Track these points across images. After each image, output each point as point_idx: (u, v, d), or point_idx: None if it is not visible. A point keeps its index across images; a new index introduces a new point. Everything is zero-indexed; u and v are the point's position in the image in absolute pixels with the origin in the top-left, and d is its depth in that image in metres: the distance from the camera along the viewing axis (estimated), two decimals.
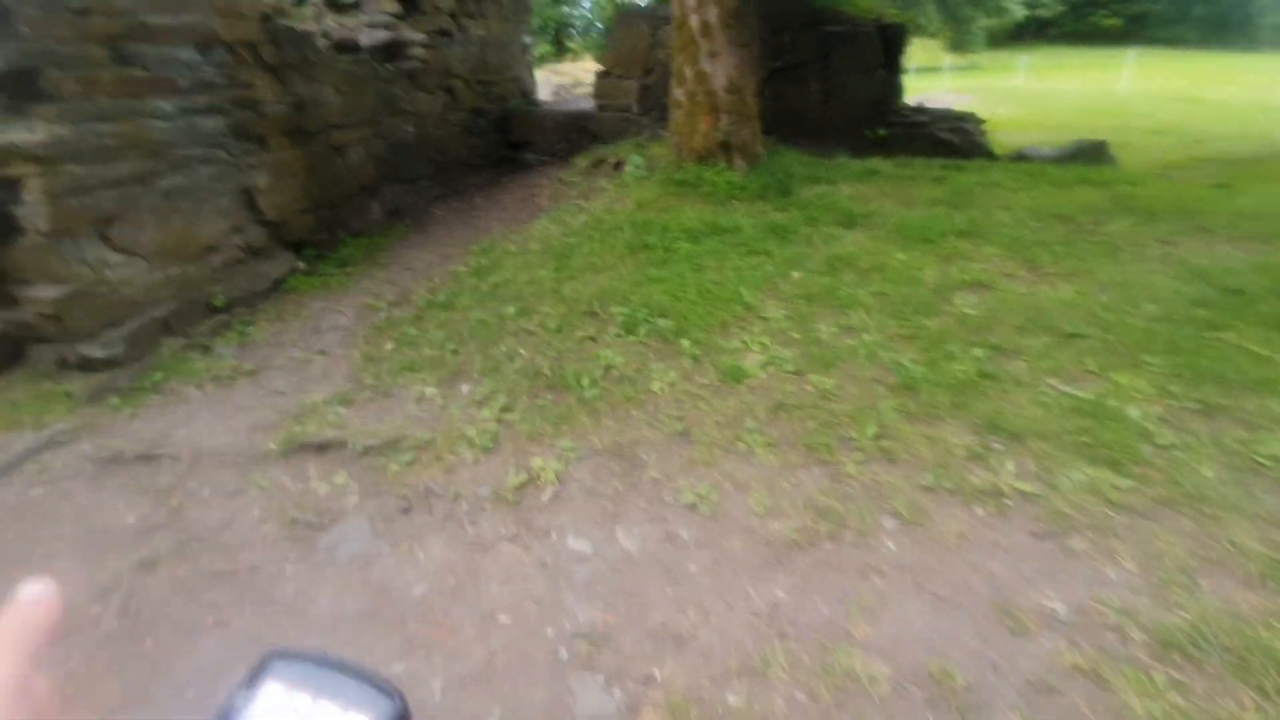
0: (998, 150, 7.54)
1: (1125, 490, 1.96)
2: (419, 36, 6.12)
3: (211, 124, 3.78)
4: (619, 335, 3.04)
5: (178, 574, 1.94)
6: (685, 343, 2.91)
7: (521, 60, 8.32)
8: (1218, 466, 2.03)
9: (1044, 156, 7.08)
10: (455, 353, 3.03)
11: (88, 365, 3.05)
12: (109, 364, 3.06)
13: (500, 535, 1.98)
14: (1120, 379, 2.48)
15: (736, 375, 2.65)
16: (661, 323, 3.08)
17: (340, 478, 2.30)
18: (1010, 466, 2.09)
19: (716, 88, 5.19)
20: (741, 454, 2.23)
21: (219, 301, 3.68)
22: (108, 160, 3.16)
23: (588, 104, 8.05)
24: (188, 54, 3.62)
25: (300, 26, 5.04)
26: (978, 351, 2.73)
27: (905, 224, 4.28)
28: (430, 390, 2.76)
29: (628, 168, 5.60)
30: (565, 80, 16.37)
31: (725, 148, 5.27)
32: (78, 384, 3.01)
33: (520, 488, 2.16)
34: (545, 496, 2.12)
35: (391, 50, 6.04)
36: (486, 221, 5.26)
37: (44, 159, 2.89)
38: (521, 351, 2.96)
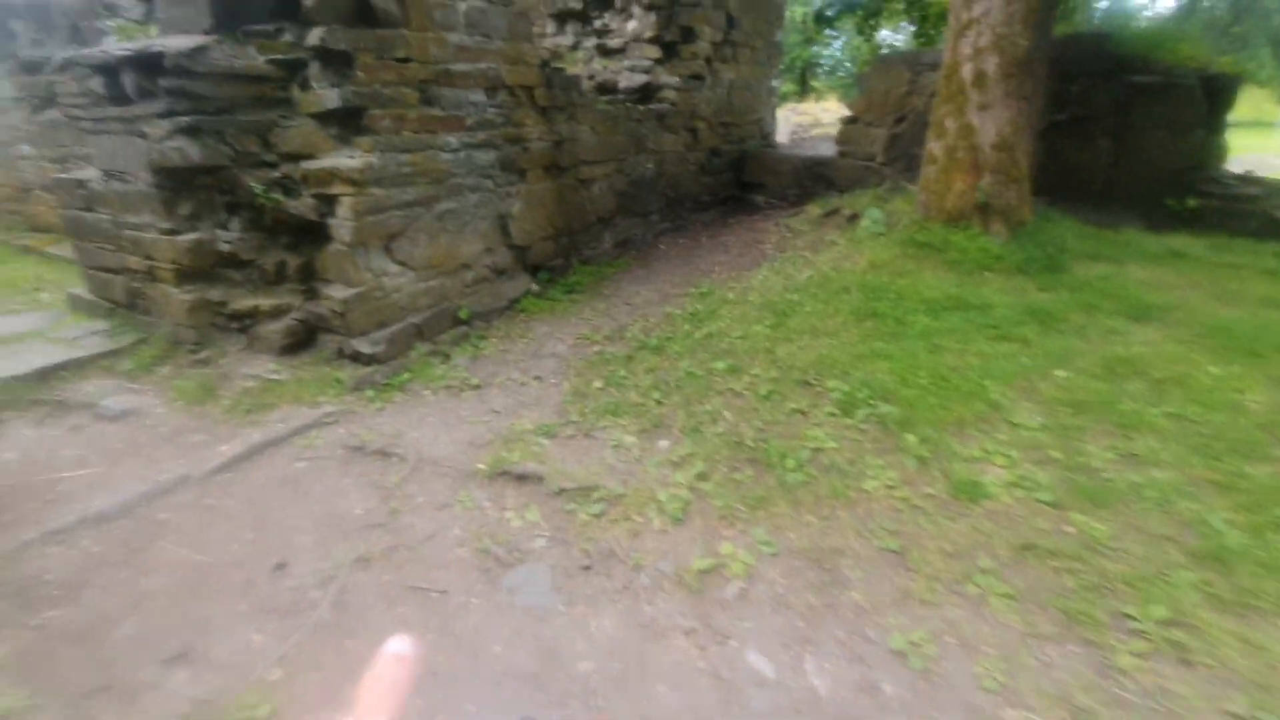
0: None
1: None
2: (673, 80, 6.38)
3: (485, 157, 4.24)
4: (833, 414, 2.76)
5: (384, 578, 2.09)
6: (911, 438, 2.55)
7: (766, 103, 8.32)
8: None
9: None
10: (659, 403, 2.99)
11: (357, 358, 3.54)
12: (372, 360, 3.52)
13: (676, 625, 1.85)
14: None
15: (972, 492, 2.24)
16: (884, 408, 2.74)
17: (533, 514, 2.35)
18: None
19: (982, 143, 4.65)
20: (971, 600, 1.84)
21: (464, 314, 4.09)
22: (402, 185, 3.67)
23: (827, 148, 7.79)
24: (477, 96, 4.10)
25: (571, 71, 5.51)
26: None
27: (1221, 326, 3.41)
28: (629, 439, 2.74)
29: (864, 221, 5.24)
30: (805, 120, 16.17)
31: (983, 210, 4.69)
32: (347, 373, 3.50)
33: (705, 573, 2.01)
34: (730, 592, 1.94)
35: (646, 92, 6.37)
36: (708, 263, 5.26)
37: (358, 182, 3.42)
38: (726, 414, 2.83)
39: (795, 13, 21.01)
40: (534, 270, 4.81)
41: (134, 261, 3.74)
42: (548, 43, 7.29)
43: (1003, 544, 2.02)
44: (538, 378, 3.45)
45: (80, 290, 4.30)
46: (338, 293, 3.51)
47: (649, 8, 6.34)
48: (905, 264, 4.33)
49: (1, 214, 7.28)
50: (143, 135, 3.30)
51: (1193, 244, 4.69)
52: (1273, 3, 22.57)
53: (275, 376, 3.47)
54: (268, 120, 3.42)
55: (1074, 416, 2.67)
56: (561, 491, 2.42)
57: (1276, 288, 3.94)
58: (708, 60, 6.73)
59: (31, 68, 5.74)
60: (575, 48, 7.06)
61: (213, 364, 3.60)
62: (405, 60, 3.59)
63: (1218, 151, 6.08)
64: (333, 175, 3.39)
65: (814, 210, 5.89)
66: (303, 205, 3.47)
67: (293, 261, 3.63)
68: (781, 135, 12.06)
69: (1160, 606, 1.76)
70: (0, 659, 1.82)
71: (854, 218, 5.50)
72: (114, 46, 3.28)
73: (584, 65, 6.83)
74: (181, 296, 3.58)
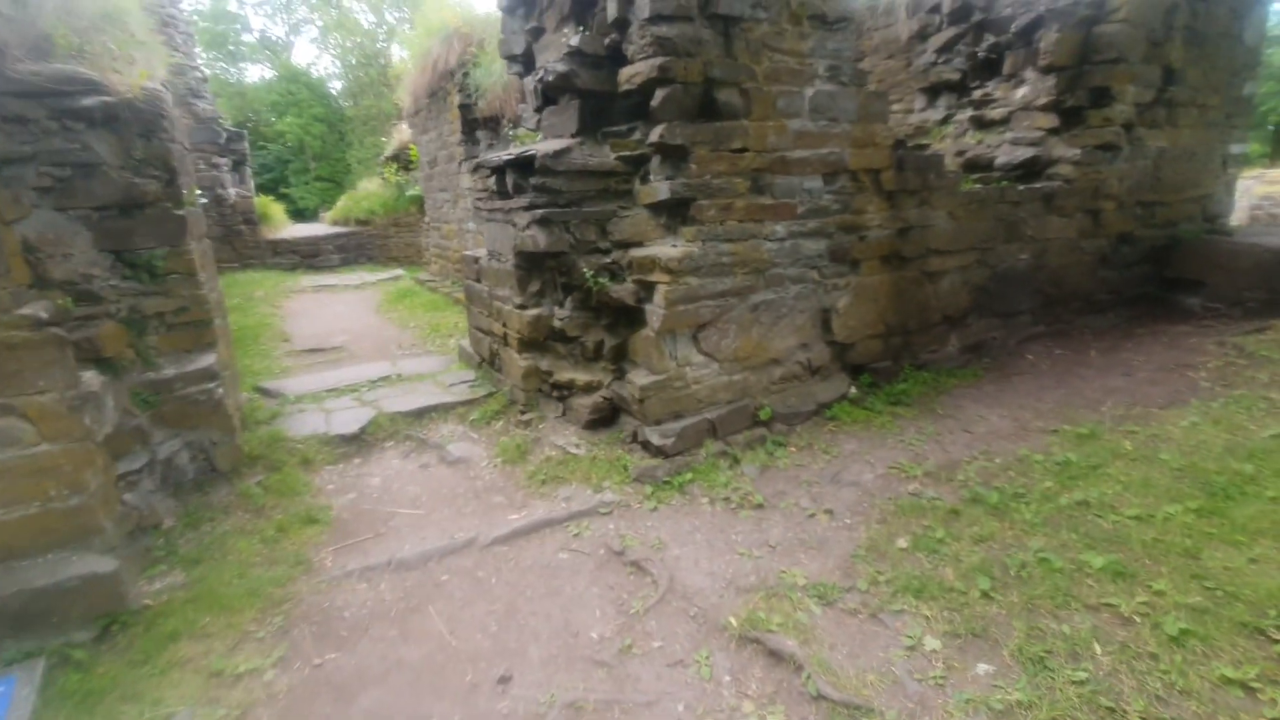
0: None
1: None
2: (1071, 153, 5.16)
3: (813, 246, 3.88)
4: None
5: None
6: None
7: (1219, 175, 6.24)
8: None
9: None
10: (988, 596, 2.15)
11: (646, 447, 3.47)
12: (659, 452, 3.40)
13: None
14: None
15: None
16: None
17: (776, 716, 1.81)
18: None
19: None
20: None
21: (765, 414, 3.74)
22: (719, 275, 3.53)
23: None
24: (813, 183, 3.79)
25: (932, 148, 4.84)
26: None
27: None
28: (932, 643, 1.99)
29: None
30: (1276, 190, 11.99)
31: None
32: (635, 459, 3.45)
33: None
34: None
35: (1031, 168, 5.28)
36: (1097, 389, 3.94)
37: (674, 270, 3.39)
38: (1097, 651, 1.87)
39: (1277, 56, 16.11)
40: (855, 371, 4.22)
41: (496, 327, 4.35)
42: (914, 119, 6.69)
43: None
44: (829, 511, 2.87)
45: (466, 344, 5.24)
46: (640, 378, 3.50)
47: (1047, 70, 5.27)
48: None
49: (452, 272, 9.64)
50: (514, 224, 3.81)
51: None
52: None
53: (575, 450, 3.60)
54: (609, 211, 3.64)
55: None
56: (820, 698, 1.83)
57: None
58: (1127, 126, 5.29)
59: (477, 166, 7.43)
60: (946, 121, 6.31)
61: (533, 426, 3.93)
62: (741, 150, 3.49)
63: None
64: (653, 263, 3.43)
65: None
66: (624, 290, 3.58)
67: (609, 341, 3.76)
68: (1239, 213, 9.05)
69: None
70: (278, 689, 2.04)
71: None
72: (504, 152, 3.89)
73: (953, 140, 6.03)
74: (520, 362, 4.01)
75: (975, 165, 5.60)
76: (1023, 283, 5.02)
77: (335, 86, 31.62)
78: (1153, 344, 4.61)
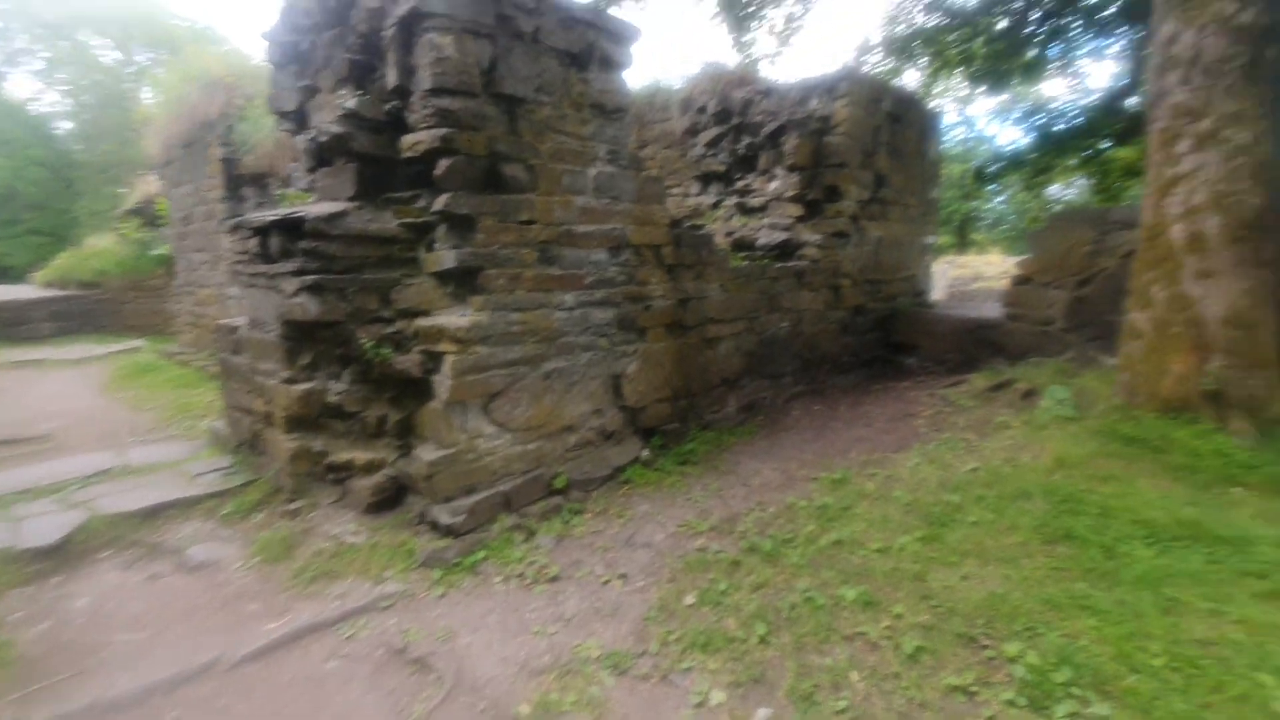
0: None
1: None
2: (815, 238, 6.09)
3: (602, 315, 4.04)
4: (1015, 704, 1.91)
5: None
6: None
7: (919, 259, 7.76)
8: None
9: None
10: (764, 641, 2.30)
11: (435, 527, 3.24)
12: (449, 531, 3.19)
13: None
14: None
15: None
16: (1099, 708, 1.85)
17: None
18: None
19: (1206, 317, 3.71)
20: None
21: (560, 483, 3.71)
22: (509, 344, 3.51)
23: (991, 308, 6.95)
24: (599, 255, 3.99)
25: (707, 228, 5.39)
26: None
27: None
28: (717, 696, 2.06)
29: (1045, 401, 4.33)
30: (965, 273, 15.23)
31: (1214, 400, 3.65)
32: (422, 542, 3.19)
33: None
34: None
35: (785, 249, 6.10)
36: (846, 439, 4.55)
37: (462, 340, 3.30)
38: (854, 678, 2.07)
39: (955, 169, 20.72)
40: (647, 434, 4.41)
41: (258, 404, 3.84)
42: (691, 202, 7.43)
43: None
44: (623, 576, 2.90)
45: (220, 425, 4.54)
46: (427, 453, 3.30)
47: (792, 169, 6.24)
48: (1108, 465, 3.37)
49: (211, 344, 8.42)
50: (279, 290, 3.46)
51: None
52: None
53: (353, 539, 3.24)
54: (392, 278, 3.47)
55: None
56: None
57: None
58: (853, 218, 6.41)
59: (236, 226, 6.72)
60: (717, 205, 7.10)
61: (302, 516, 3.47)
62: (529, 222, 3.57)
63: None
64: (441, 332, 3.31)
65: (979, 381, 5.06)
66: (409, 360, 3.40)
67: (394, 416, 3.52)
68: (938, 290, 11.28)
69: None
70: None
71: (1030, 394, 4.59)
72: (270, 212, 3.56)
73: (723, 222, 6.79)
74: (287, 443, 3.56)
75: (742, 245, 6.34)
76: (785, 347, 5.71)
77: (64, 127, 26.83)
78: (886, 398, 5.48)
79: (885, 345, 6.96)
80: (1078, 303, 5.63)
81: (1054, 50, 9.66)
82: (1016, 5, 9.41)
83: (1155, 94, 3.99)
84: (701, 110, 7.18)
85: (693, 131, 7.36)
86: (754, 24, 9.87)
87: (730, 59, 8.96)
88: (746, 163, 6.78)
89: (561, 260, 3.75)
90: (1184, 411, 3.69)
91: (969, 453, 3.83)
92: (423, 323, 3.39)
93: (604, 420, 4.11)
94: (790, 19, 10.00)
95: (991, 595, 2.40)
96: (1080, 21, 9.22)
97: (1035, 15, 9.38)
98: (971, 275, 14.76)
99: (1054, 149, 10.19)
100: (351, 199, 3.44)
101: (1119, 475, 3.25)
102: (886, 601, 2.43)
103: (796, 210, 6.24)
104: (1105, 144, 9.51)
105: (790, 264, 5.83)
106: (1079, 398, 4.23)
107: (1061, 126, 10.23)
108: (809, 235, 6.13)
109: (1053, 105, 10.93)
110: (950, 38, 10.01)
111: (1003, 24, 9.61)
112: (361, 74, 3.63)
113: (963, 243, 23.84)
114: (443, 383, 3.31)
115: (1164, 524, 2.78)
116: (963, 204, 23.34)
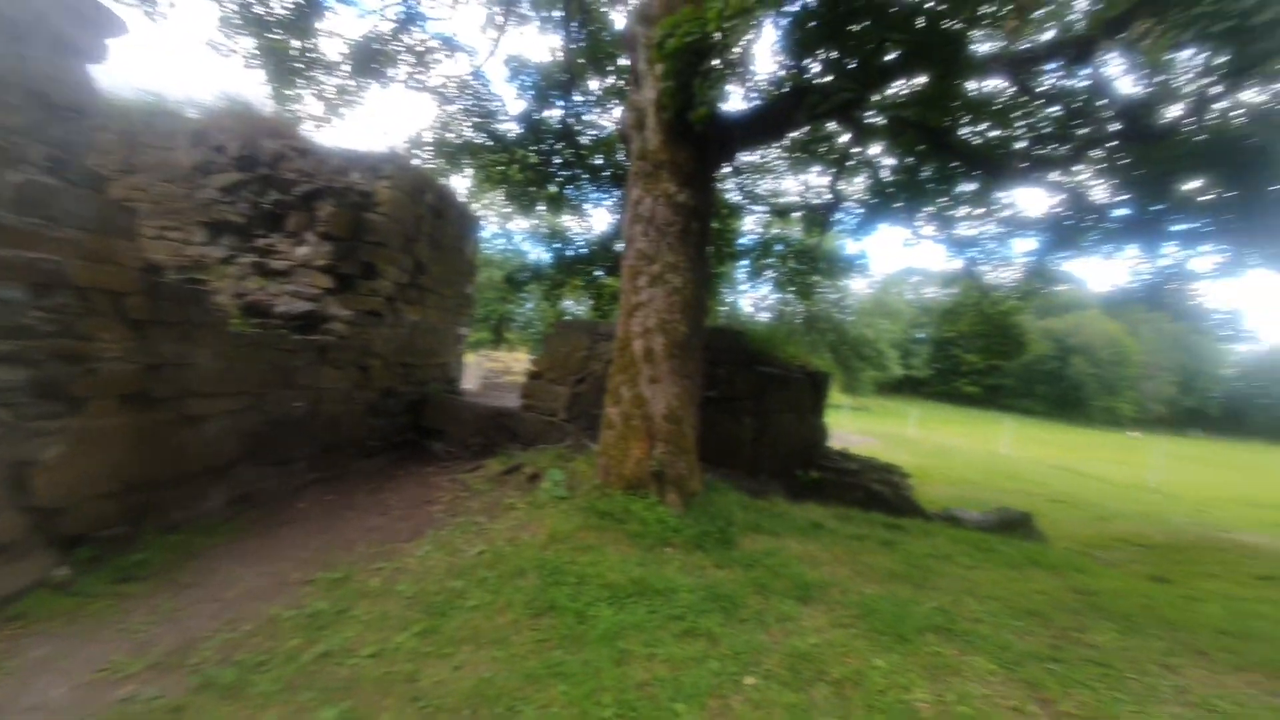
0: (925, 505, 7.40)
1: None
2: (345, 313, 5.72)
3: (6, 374, 2.85)
4: None
5: None
6: None
7: (453, 349, 8.10)
8: None
9: (975, 521, 6.91)
10: None
11: None
12: None
13: None
14: None
15: None
16: None
17: None
18: None
19: (655, 413, 4.80)
20: None
21: None
22: None
23: (514, 399, 7.67)
24: (10, 292, 2.85)
25: (215, 285, 4.49)
26: None
27: (870, 606, 3.54)
28: None
29: (545, 483, 4.86)
30: (498, 367, 16.71)
31: (659, 479, 4.68)
32: None
33: None
34: None
35: (310, 321, 5.55)
36: (357, 530, 4.18)
37: None
38: None
39: (494, 273, 22.97)
40: (70, 544, 3.19)
41: None
42: (194, 250, 6.17)
43: None
44: None
45: None
46: None
47: (325, 237, 5.82)
48: (588, 535, 3.91)
49: None
50: None
51: (826, 515, 5.25)
52: (826, 324, 32.68)
53: None
54: None
55: None
56: None
57: (893, 560, 4.42)
58: (390, 299, 6.30)
59: None
60: (229, 260, 6.06)
61: None
62: None
63: (824, 433, 7.44)
64: None
65: (494, 466, 5.38)
66: None
67: None
68: (473, 381, 11.97)
69: None
70: None
71: (535, 477, 5.10)
72: None
73: (235, 281, 5.81)
74: None
75: (257, 310, 5.50)
76: (299, 429, 5.06)
77: None
78: (408, 483, 5.33)
79: (415, 429, 6.89)
80: (576, 397, 6.66)
81: (570, 191, 11.87)
82: (544, 147, 11.28)
83: (627, 240, 5.16)
84: (219, 149, 6.17)
85: (205, 170, 6.24)
86: (301, 83, 9.22)
87: (264, 103, 8.08)
88: (272, 220, 6.05)
89: None
90: (640, 488, 4.61)
91: (478, 535, 3.95)
92: None
93: None
94: (344, 91, 9.71)
95: (480, 681, 2.40)
96: (588, 175, 11.62)
97: (558, 161, 11.42)
98: (503, 369, 16.29)
99: (566, 269, 12.30)
100: None
101: (594, 545, 3.79)
102: (372, 713, 2.18)
103: (326, 281, 5.80)
104: (599, 272, 11.98)
105: (314, 337, 5.31)
106: (571, 479, 4.88)
107: (572, 253, 12.47)
108: (339, 309, 5.73)
109: (568, 234, 13.29)
110: (493, 158, 11.27)
111: (534, 159, 11.35)
112: None
113: (498, 339, 26.35)
114: None
115: (621, 584, 3.31)
116: (500, 305, 25.96)
